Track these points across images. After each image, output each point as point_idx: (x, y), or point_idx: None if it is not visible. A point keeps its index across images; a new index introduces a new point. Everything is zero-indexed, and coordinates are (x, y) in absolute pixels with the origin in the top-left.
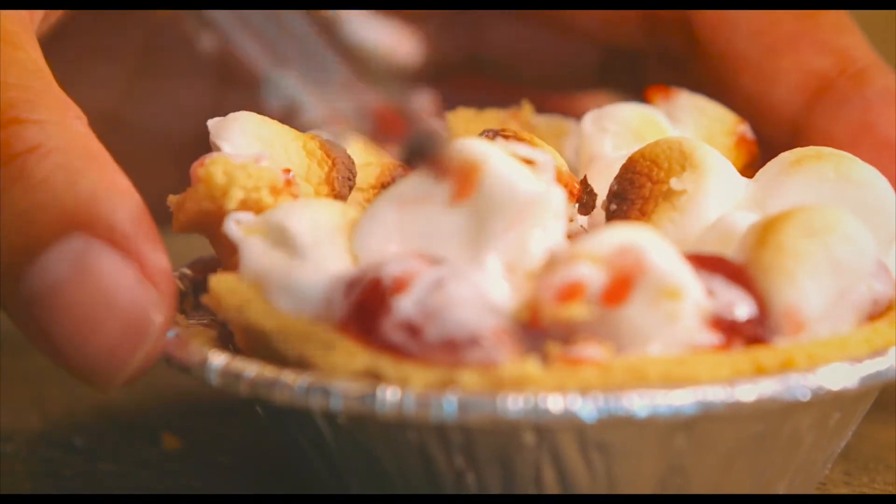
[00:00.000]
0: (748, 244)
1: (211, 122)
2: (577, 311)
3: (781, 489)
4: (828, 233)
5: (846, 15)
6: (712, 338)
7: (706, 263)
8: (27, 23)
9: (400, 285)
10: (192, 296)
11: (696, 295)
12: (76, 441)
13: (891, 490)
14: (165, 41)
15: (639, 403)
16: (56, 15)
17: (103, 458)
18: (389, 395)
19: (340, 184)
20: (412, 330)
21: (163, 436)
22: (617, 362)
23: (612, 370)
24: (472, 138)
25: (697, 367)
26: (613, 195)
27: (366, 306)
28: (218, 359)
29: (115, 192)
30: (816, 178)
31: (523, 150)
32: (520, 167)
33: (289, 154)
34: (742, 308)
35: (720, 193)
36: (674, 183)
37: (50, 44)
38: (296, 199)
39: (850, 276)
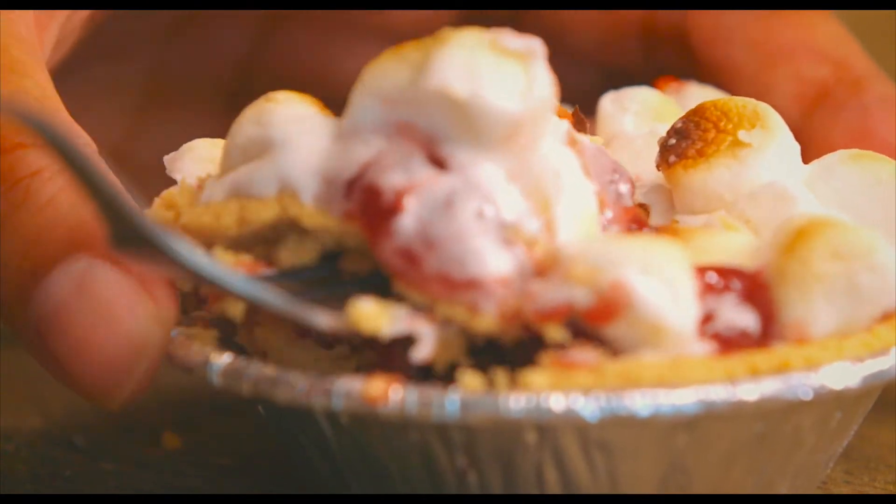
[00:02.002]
0: (777, 244)
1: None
2: (555, 333)
3: (783, 488)
4: (855, 259)
5: (841, 26)
6: (707, 347)
7: (722, 278)
8: (37, 51)
9: (402, 201)
10: (193, 295)
11: (685, 326)
12: (77, 440)
13: (891, 490)
14: (170, 73)
15: (641, 403)
16: (63, 50)
17: (104, 457)
18: (392, 394)
19: None
20: (411, 258)
21: (163, 435)
22: (610, 367)
23: (604, 374)
24: (451, 49)
25: (691, 371)
26: (675, 131)
27: (366, 221)
28: (220, 359)
29: None
30: (871, 176)
31: (509, 40)
32: (502, 80)
33: None
34: (743, 329)
35: (782, 160)
36: (742, 135)
37: (55, 79)
38: None
39: (866, 304)
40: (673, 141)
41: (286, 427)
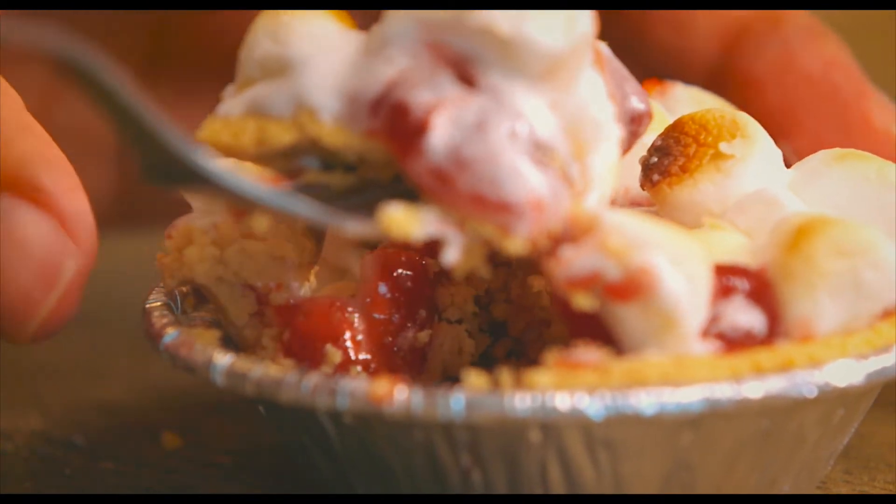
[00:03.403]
0: (779, 242)
1: None
2: (583, 300)
3: (786, 485)
4: (858, 256)
5: None
6: (710, 347)
7: (731, 277)
8: None
9: (430, 119)
10: (192, 296)
11: (693, 324)
12: (76, 440)
13: (891, 489)
14: (86, 34)
15: (646, 401)
16: None
17: (104, 456)
18: (398, 394)
19: None
20: (442, 178)
21: (163, 435)
22: (615, 366)
23: (609, 373)
24: None
25: (696, 370)
26: (656, 149)
27: (394, 140)
28: (223, 359)
29: (43, 157)
30: (858, 176)
31: None
32: (545, 16)
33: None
34: (748, 328)
35: (765, 167)
36: (723, 147)
37: None
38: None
39: (869, 300)
40: (655, 159)
41: (288, 427)
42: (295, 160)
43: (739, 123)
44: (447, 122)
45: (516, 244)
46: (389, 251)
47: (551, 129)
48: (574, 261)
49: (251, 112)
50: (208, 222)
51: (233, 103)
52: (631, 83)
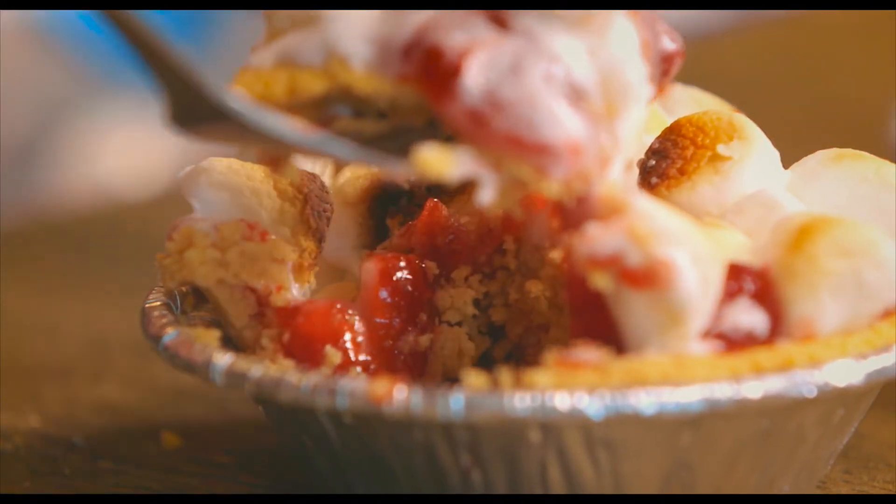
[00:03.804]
0: (781, 241)
1: (180, 176)
2: (602, 282)
3: (786, 485)
4: (861, 256)
5: None
6: (710, 347)
7: (740, 279)
8: None
9: (465, 61)
10: (192, 295)
11: (697, 325)
12: (76, 439)
13: (891, 489)
14: None
15: (646, 401)
16: None
17: (103, 456)
18: (397, 393)
19: (316, 219)
20: (478, 120)
21: (163, 434)
22: (615, 365)
23: (609, 373)
24: None
25: (696, 369)
26: (653, 152)
27: (428, 83)
28: (223, 358)
29: None
30: (856, 176)
31: None
32: None
33: (259, 198)
34: (750, 329)
35: (764, 169)
36: (721, 148)
37: None
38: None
39: (871, 300)
40: (652, 162)
41: (287, 426)
42: (326, 109)
43: (737, 125)
44: (482, 64)
45: (552, 187)
46: (389, 256)
47: (587, 74)
48: (599, 239)
49: (281, 62)
50: (209, 224)
51: (263, 55)
52: (661, 22)
